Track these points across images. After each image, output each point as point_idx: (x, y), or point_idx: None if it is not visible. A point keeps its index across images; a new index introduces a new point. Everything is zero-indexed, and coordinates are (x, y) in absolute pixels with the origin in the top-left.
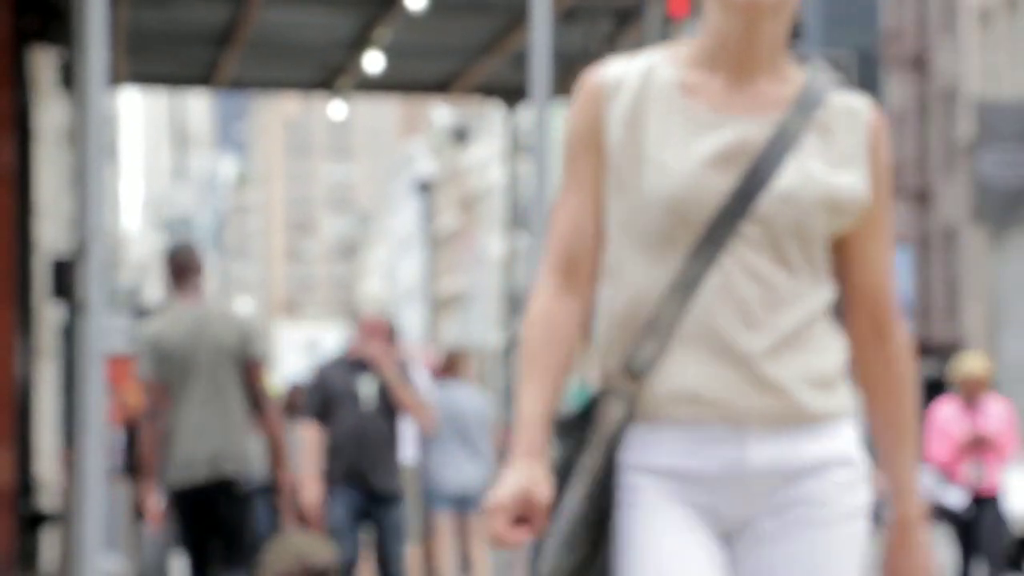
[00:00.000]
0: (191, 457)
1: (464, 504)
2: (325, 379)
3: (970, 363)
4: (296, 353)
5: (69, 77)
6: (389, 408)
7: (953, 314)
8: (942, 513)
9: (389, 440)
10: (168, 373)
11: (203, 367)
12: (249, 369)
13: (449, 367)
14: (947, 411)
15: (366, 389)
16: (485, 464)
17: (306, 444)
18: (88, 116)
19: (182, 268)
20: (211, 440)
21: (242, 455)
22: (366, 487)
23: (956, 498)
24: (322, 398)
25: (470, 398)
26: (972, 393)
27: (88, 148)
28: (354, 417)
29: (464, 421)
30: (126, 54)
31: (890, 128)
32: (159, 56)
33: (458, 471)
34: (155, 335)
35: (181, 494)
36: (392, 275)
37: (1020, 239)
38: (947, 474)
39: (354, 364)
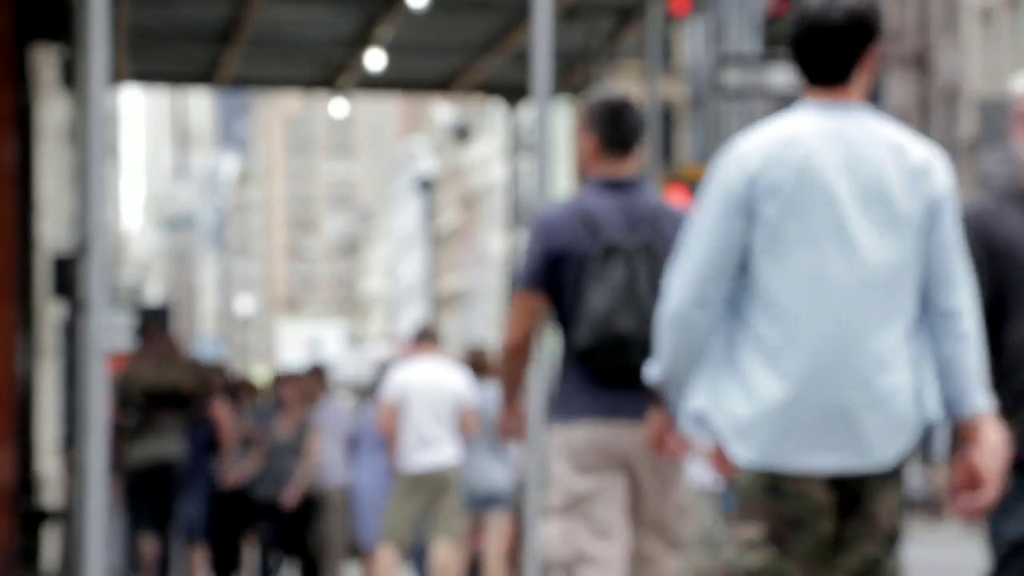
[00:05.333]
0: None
1: (485, 504)
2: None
3: None
4: (296, 350)
5: (70, 75)
6: None
7: None
8: None
9: None
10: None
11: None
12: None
13: (476, 367)
14: None
15: None
16: (511, 465)
17: None
18: (89, 114)
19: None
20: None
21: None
22: None
23: None
24: None
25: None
26: None
27: (89, 146)
28: None
29: (493, 422)
30: (127, 52)
31: None
32: (160, 54)
33: (485, 473)
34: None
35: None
36: (393, 273)
37: None
38: None
39: None
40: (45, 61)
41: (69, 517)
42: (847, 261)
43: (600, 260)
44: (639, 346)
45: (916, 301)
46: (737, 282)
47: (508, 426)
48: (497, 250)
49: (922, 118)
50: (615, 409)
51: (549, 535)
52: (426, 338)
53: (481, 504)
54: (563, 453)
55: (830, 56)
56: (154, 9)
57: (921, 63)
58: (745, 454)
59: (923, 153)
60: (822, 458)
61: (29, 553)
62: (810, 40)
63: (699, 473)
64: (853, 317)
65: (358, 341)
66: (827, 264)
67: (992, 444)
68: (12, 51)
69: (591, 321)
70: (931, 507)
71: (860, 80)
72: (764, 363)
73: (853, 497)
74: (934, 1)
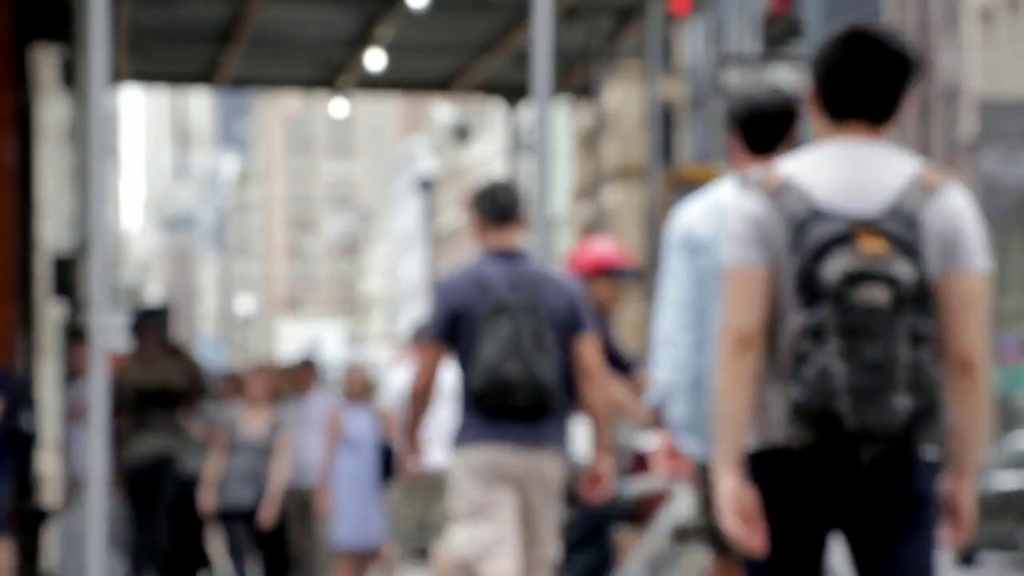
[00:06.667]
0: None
1: None
2: None
3: None
4: (297, 350)
5: (71, 75)
6: None
7: None
8: None
9: None
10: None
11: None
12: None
13: None
14: None
15: None
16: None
17: None
18: (90, 114)
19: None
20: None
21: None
22: None
23: None
24: None
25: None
26: None
27: (90, 146)
28: None
29: None
30: (127, 52)
31: (892, 127)
32: (160, 54)
33: None
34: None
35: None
36: (393, 273)
37: (1023, 237)
38: None
39: None
40: (45, 61)
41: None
42: None
43: (491, 316)
44: (523, 389)
45: None
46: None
47: (407, 467)
48: None
49: (922, 118)
50: (503, 436)
51: (458, 538)
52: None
53: None
54: (465, 471)
55: (766, 132)
56: (154, 9)
57: (921, 63)
58: (689, 447)
59: None
60: None
61: (29, 553)
62: (753, 121)
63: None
64: None
65: (358, 341)
66: None
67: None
68: (12, 51)
69: (483, 368)
70: None
71: (783, 148)
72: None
73: None
74: (934, 1)
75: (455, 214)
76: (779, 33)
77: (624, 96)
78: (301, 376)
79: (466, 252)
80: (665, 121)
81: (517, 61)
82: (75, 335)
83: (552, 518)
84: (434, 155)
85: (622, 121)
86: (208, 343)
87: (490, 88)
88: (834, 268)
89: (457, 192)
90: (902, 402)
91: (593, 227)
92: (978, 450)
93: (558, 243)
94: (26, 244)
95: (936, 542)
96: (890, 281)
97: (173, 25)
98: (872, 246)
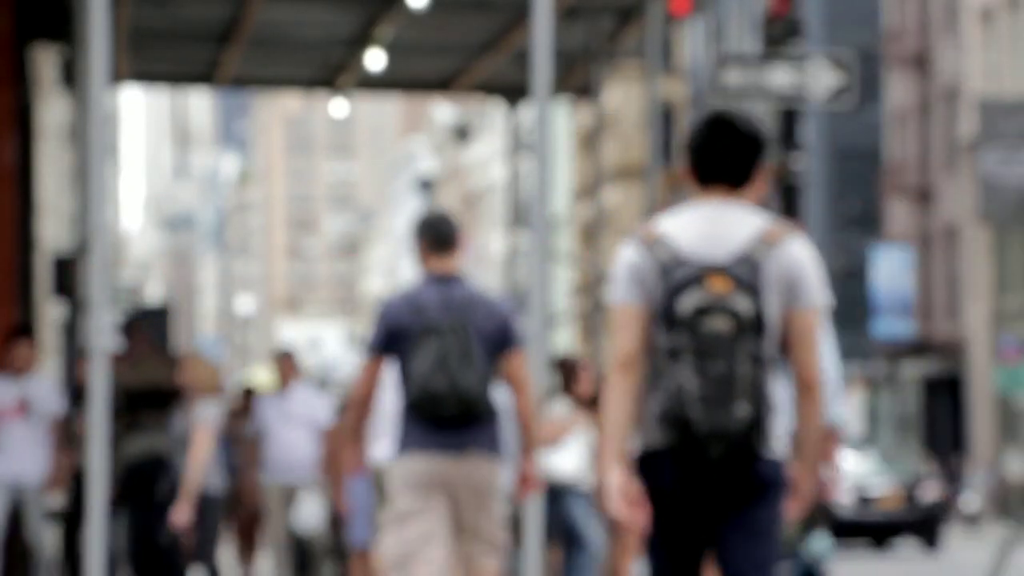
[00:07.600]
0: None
1: None
2: None
3: None
4: (297, 350)
5: (71, 75)
6: None
7: (954, 313)
8: None
9: None
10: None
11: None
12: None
13: None
14: None
15: None
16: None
17: None
18: (90, 114)
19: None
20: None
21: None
22: None
23: None
24: None
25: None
26: None
27: (90, 146)
28: None
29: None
30: (128, 52)
31: (892, 127)
32: (160, 54)
33: None
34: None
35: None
36: (393, 273)
37: (1022, 237)
38: None
39: None
40: (45, 61)
41: (69, 517)
42: None
43: (422, 336)
44: (448, 400)
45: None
46: None
47: (350, 465)
48: (497, 250)
49: (922, 118)
50: (433, 444)
51: (385, 544)
52: None
53: None
54: (398, 478)
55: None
56: (154, 9)
57: (921, 63)
58: None
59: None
60: None
61: (30, 552)
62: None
63: None
64: None
65: (358, 341)
66: None
67: None
68: (12, 51)
69: (414, 382)
70: None
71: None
72: None
73: None
74: (934, 1)
75: (455, 214)
76: (779, 33)
77: (624, 96)
78: (280, 368)
79: (465, 252)
80: (665, 121)
81: (517, 61)
82: (13, 333)
83: (490, 516)
84: (434, 155)
85: (622, 121)
86: (208, 343)
87: (490, 88)
88: (687, 302)
89: (457, 192)
90: (742, 409)
91: (593, 227)
92: (813, 449)
93: (558, 243)
94: (26, 244)
95: (779, 521)
96: (732, 314)
97: (173, 25)
98: (719, 285)
